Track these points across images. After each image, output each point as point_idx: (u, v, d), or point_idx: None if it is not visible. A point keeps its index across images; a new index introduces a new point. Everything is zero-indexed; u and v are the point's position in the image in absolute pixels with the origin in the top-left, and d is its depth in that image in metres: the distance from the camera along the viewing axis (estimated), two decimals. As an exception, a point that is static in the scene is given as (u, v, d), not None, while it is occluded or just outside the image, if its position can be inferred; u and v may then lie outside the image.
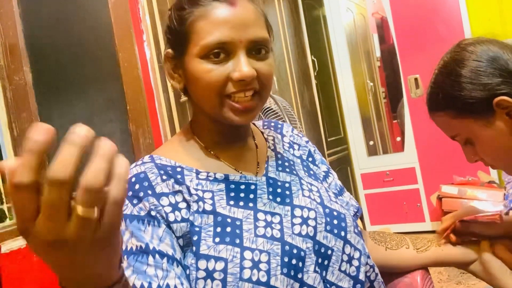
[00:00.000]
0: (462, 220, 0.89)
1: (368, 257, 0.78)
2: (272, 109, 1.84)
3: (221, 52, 0.68)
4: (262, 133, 0.87)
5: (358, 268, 0.75)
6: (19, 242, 1.29)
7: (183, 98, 0.81)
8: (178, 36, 0.72)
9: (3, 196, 1.47)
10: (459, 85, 0.81)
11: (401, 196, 3.41)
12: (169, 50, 0.75)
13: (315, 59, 3.63)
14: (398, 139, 3.62)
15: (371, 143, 3.65)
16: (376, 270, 0.80)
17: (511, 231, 0.86)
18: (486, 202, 2.72)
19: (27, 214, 0.33)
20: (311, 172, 0.86)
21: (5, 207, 1.48)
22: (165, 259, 0.63)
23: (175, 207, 0.68)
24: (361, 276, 0.75)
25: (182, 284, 0.62)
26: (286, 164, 0.82)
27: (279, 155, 0.83)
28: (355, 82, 3.59)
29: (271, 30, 0.76)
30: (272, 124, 0.92)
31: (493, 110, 0.79)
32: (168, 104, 1.64)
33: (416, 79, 3.28)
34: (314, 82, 3.59)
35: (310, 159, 0.89)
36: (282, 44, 3.09)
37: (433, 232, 3.25)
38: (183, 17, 0.71)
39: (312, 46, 3.61)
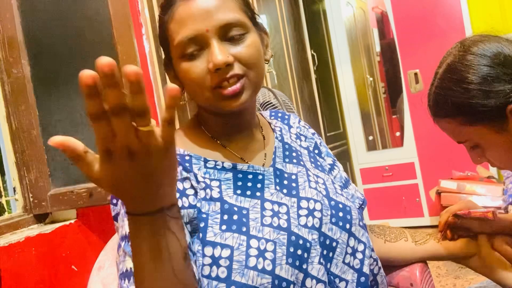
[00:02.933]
0: (456, 215, 0.89)
1: (372, 250, 0.79)
2: (271, 103, 1.83)
3: (194, 47, 0.69)
4: (270, 123, 0.87)
5: (362, 261, 0.75)
6: (17, 236, 1.29)
7: (182, 102, 0.81)
8: (163, 43, 0.76)
9: (1, 190, 1.47)
10: (469, 92, 0.78)
11: (400, 191, 3.42)
12: (164, 59, 0.78)
13: (314, 54, 3.62)
14: (398, 134, 3.62)
15: (371, 138, 3.65)
16: (379, 263, 0.80)
17: (503, 230, 0.86)
18: (485, 197, 2.73)
19: (107, 136, 0.43)
20: (318, 163, 0.86)
21: (3, 200, 1.48)
22: None
23: (182, 194, 0.68)
24: (365, 269, 0.75)
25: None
26: (294, 154, 0.82)
27: (286, 146, 0.83)
28: (355, 77, 3.58)
29: (248, 8, 0.74)
30: (279, 114, 0.92)
31: (505, 116, 0.77)
32: (167, 98, 1.63)
33: (416, 74, 3.27)
34: (313, 76, 3.58)
35: (316, 151, 0.89)
36: (281, 39, 3.08)
37: (431, 227, 3.26)
38: (161, 25, 0.74)
39: (311, 41, 3.60)
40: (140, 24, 1.47)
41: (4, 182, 1.49)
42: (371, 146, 3.61)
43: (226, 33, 0.69)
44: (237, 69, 0.69)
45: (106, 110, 0.42)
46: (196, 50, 0.69)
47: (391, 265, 0.92)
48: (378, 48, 3.73)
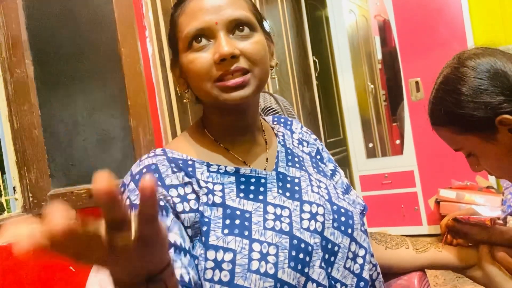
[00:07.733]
0: (456, 219, 0.90)
1: (372, 255, 0.79)
2: (273, 108, 1.84)
3: (202, 39, 0.70)
4: (273, 128, 0.88)
5: (362, 266, 0.75)
6: (16, 235, 1.29)
7: (185, 100, 0.82)
8: (171, 40, 0.76)
9: (1, 189, 1.47)
10: (460, 103, 0.81)
11: (399, 199, 3.42)
12: (171, 58, 0.78)
13: (316, 60, 3.63)
14: (398, 142, 3.62)
15: (370, 145, 3.65)
16: (378, 269, 0.81)
17: (503, 242, 0.86)
18: (484, 207, 2.73)
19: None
20: (320, 169, 0.86)
21: (3, 199, 1.48)
22: (171, 249, 0.64)
23: (183, 198, 0.69)
24: (365, 274, 0.75)
25: (188, 273, 0.63)
26: (296, 159, 0.83)
27: (289, 151, 0.83)
28: (356, 84, 3.59)
29: (257, 12, 0.77)
30: (282, 120, 0.93)
31: (495, 127, 0.79)
32: (169, 100, 1.63)
33: (417, 83, 3.28)
34: (315, 82, 3.59)
35: (318, 156, 0.90)
36: (284, 45, 3.09)
37: (430, 235, 3.26)
38: (172, 21, 0.75)
39: (314, 47, 3.61)
40: (144, 26, 1.47)
41: (4, 181, 1.49)
42: (370, 153, 3.62)
43: (235, 29, 0.71)
44: (243, 62, 0.69)
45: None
46: (204, 42, 0.70)
47: (390, 273, 0.92)
48: (379, 56, 3.74)
